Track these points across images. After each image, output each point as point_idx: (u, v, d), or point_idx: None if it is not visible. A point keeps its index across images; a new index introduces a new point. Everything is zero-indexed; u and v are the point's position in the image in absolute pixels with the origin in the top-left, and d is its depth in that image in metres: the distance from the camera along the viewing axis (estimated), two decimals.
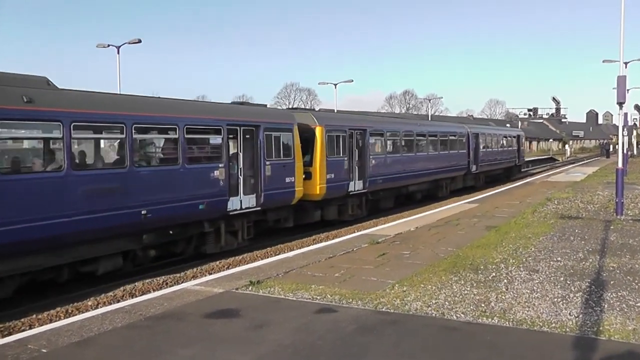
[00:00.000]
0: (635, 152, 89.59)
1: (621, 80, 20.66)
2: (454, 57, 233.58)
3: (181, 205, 15.74)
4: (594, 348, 8.04)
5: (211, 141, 17.63)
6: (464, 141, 37.94)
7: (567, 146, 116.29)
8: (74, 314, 12.09)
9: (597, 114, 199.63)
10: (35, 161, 13.69)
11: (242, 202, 18.33)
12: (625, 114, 21.18)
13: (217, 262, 17.15)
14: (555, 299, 10.37)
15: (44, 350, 8.31)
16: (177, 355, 8.04)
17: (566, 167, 63.03)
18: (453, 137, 36.33)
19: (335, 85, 63.16)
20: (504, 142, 47.53)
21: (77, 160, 13.57)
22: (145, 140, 15.99)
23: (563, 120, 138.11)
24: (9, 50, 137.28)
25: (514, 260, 13.56)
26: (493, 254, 14.32)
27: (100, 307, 12.21)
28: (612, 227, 18.08)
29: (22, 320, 11.99)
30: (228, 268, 15.80)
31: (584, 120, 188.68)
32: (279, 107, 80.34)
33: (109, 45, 42.04)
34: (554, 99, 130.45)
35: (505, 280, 11.77)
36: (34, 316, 12.24)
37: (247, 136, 18.70)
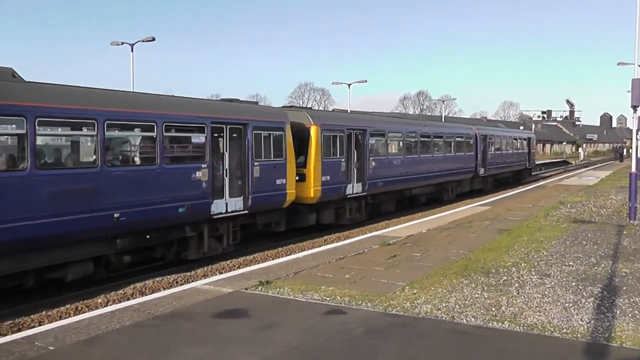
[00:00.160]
0: None
1: (636, 83, 20.45)
2: (468, 59, 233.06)
3: (159, 208, 14.81)
4: (605, 354, 7.95)
5: (193, 140, 16.68)
6: (472, 143, 36.88)
7: (580, 149, 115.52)
8: (84, 311, 12.13)
9: (611, 117, 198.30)
10: None
11: (228, 204, 17.32)
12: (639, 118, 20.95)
13: (228, 262, 17.14)
14: (567, 304, 10.28)
15: (51, 348, 8.30)
16: (184, 355, 8.01)
17: (579, 171, 62.68)
18: (460, 139, 35.23)
19: (349, 85, 63.30)
20: (514, 144, 46.27)
21: (42, 159, 12.77)
22: (119, 138, 15.07)
23: (577, 123, 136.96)
24: (9, 50, 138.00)
25: (525, 264, 13.46)
26: (505, 258, 14.22)
27: (110, 304, 12.26)
28: (625, 232, 17.92)
29: (32, 316, 12.04)
30: (239, 267, 15.81)
31: (598, 124, 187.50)
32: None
33: (122, 43, 42.16)
34: (568, 101, 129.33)
35: (516, 284, 11.68)
36: (44, 313, 12.29)
37: (234, 135, 17.68)
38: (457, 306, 10.22)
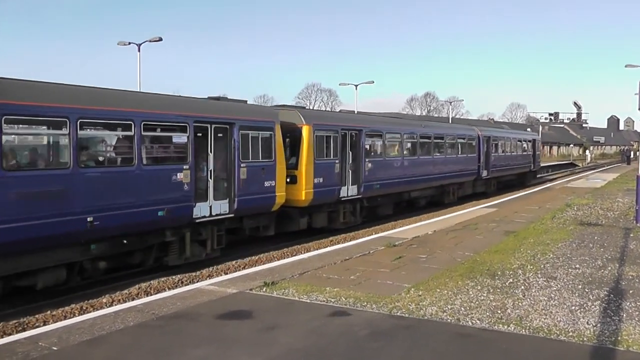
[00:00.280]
0: None
1: None
2: (475, 60, 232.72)
3: (136, 211, 14.02)
4: (611, 358, 7.89)
5: (174, 140, 15.71)
6: (474, 144, 35.82)
7: (587, 152, 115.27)
8: (88, 311, 12.12)
9: (618, 119, 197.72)
10: None
11: (212, 208, 16.46)
12: None
13: (234, 262, 17.11)
14: (573, 307, 10.21)
15: (55, 348, 8.29)
16: (187, 356, 7.98)
17: (586, 173, 62.47)
18: (462, 140, 34.22)
19: (356, 86, 63.22)
20: (518, 146, 45.23)
21: (9, 160, 12.03)
22: (94, 138, 14.31)
23: (584, 125, 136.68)
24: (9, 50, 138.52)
25: (531, 267, 13.39)
26: (511, 260, 14.16)
27: (115, 304, 12.24)
28: (631, 235, 17.83)
29: (37, 316, 12.03)
30: (244, 268, 15.78)
31: (605, 126, 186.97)
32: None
33: (129, 43, 42.27)
34: (575, 103, 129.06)
35: (522, 287, 11.61)
36: (49, 312, 12.28)
37: (220, 135, 16.83)
38: (462, 308, 10.17)
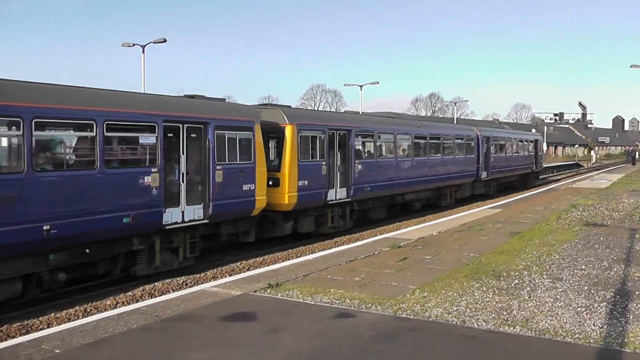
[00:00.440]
0: None
1: None
2: (480, 61, 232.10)
3: (98, 218, 13.08)
4: None
5: (141, 140, 14.58)
6: (473, 145, 34.81)
7: (592, 152, 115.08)
8: (92, 313, 12.12)
9: (623, 120, 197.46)
10: None
11: (185, 213, 15.51)
12: None
13: (238, 264, 17.11)
14: (579, 309, 10.14)
15: (57, 351, 8.25)
16: (190, 359, 7.94)
17: (591, 174, 62.27)
18: (460, 140, 33.29)
19: (361, 86, 63.16)
20: (520, 146, 44.26)
21: None
22: (50, 139, 13.14)
23: (589, 126, 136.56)
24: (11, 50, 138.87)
25: (537, 268, 13.31)
26: (516, 261, 14.09)
27: (119, 306, 12.21)
28: (637, 236, 17.73)
29: (41, 318, 12.02)
30: (248, 269, 15.77)
31: (610, 127, 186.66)
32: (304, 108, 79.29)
33: (134, 45, 42.28)
34: (580, 104, 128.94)
35: (528, 288, 11.54)
36: (52, 315, 12.26)
37: (193, 135, 15.86)
38: (467, 310, 10.10)
